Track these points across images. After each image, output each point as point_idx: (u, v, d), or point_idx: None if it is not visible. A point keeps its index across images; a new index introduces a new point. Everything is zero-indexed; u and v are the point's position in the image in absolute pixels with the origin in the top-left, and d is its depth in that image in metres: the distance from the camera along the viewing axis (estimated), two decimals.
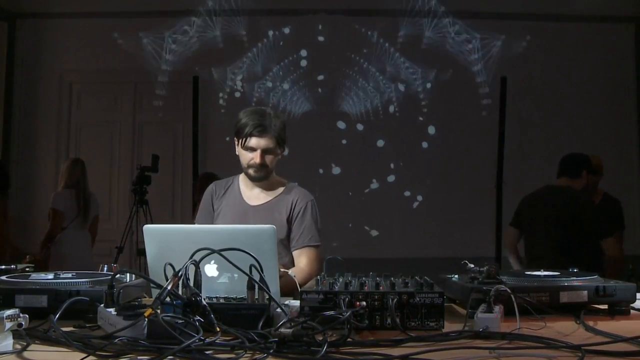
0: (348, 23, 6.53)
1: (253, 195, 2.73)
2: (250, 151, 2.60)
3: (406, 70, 6.54)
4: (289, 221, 2.67)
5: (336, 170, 6.54)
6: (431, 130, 6.54)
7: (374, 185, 6.54)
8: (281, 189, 2.74)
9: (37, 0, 6.63)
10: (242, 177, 2.77)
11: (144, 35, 6.43)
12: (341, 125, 6.55)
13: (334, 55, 6.51)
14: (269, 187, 2.72)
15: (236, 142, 2.65)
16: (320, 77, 6.53)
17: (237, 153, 2.68)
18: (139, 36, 6.44)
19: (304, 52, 6.55)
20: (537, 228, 4.05)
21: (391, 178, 6.55)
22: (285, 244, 2.64)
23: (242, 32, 6.53)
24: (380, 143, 6.55)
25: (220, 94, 6.50)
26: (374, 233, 6.46)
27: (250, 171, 2.64)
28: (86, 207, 5.22)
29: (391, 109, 6.56)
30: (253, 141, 2.57)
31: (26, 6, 6.62)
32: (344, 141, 6.56)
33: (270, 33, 6.56)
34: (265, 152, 2.59)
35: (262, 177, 2.65)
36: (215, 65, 6.50)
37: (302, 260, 2.63)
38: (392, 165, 6.55)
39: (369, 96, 6.53)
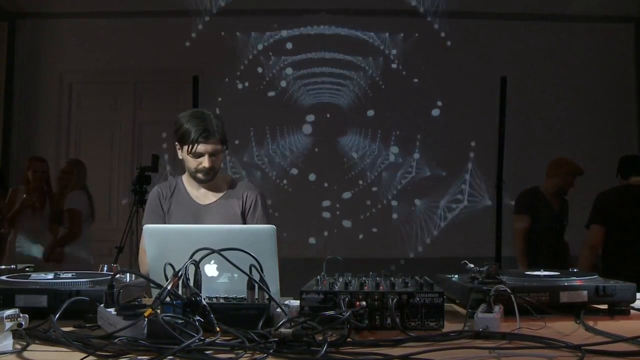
0: (348, 22, 6.53)
1: (201, 194, 2.75)
2: (198, 157, 2.61)
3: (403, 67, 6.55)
4: (243, 215, 2.71)
5: (336, 171, 6.55)
6: (430, 130, 6.54)
7: (374, 185, 6.54)
8: (228, 186, 2.78)
9: (37, 0, 6.63)
10: (185, 178, 2.77)
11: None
12: (341, 121, 6.55)
13: (337, 55, 6.51)
14: (215, 186, 2.75)
15: (179, 148, 2.66)
16: (320, 76, 6.53)
17: (180, 157, 2.69)
18: (139, 36, 6.43)
19: (304, 53, 6.55)
20: (622, 231, 4.10)
21: (391, 178, 6.54)
22: None
23: (243, 32, 6.53)
24: (381, 142, 6.54)
25: (221, 94, 6.50)
26: (374, 231, 6.46)
27: (200, 175, 2.65)
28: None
29: (393, 101, 6.56)
30: (200, 147, 2.58)
31: (26, 6, 6.62)
32: (344, 139, 6.56)
33: (270, 33, 6.56)
34: (212, 155, 2.61)
35: (210, 179, 2.68)
36: (215, 65, 6.49)
37: None
38: (392, 166, 6.55)
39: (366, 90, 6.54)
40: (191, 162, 2.64)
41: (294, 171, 6.49)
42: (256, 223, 2.68)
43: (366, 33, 6.57)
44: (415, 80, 6.55)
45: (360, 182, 6.54)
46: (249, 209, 2.72)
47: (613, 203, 4.21)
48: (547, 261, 4.38)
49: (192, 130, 2.57)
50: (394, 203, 6.51)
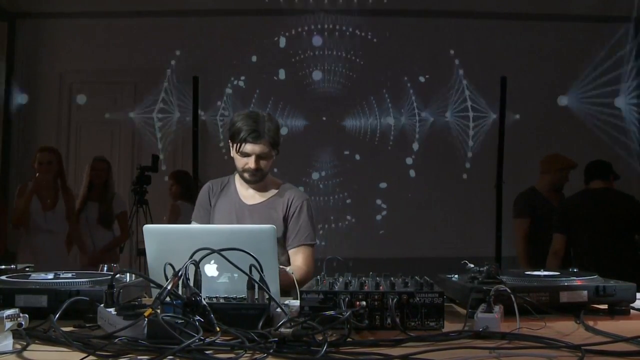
0: (348, 23, 6.53)
1: (249, 194, 2.75)
2: (245, 157, 2.61)
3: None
4: (285, 220, 2.69)
5: (335, 171, 6.55)
6: (431, 128, 6.54)
7: (375, 185, 6.54)
8: (276, 189, 2.76)
9: (37, 0, 6.63)
10: (237, 177, 2.78)
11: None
12: (340, 123, 6.55)
13: (334, 55, 6.51)
14: (264, 188, 2.74)
15: (231, 146, 2.67)
16: (318, 77, 6.54)
17: (232, 155, 2.69)
18: (139, 36, 6.43)
19: (303, 52, 6.55)
20: (591, 232, 4.22)
21: (391, 178, 6.55)
22: (281, 243, 2.65)
23: (242, 32, 6.53)
24: (381, 143, 6.55)
25: (221, 94, 6.50)
26: (376, 231, 6.46)
27: (246, 175, 2.66)
28: None
29: (388, 106, 6.56)
30: (248, 147, 2.58)
31: (26, 6, 6.62)
32: (343, 140, 6.56)
33: (270, 33, 6.56)
34: (259, 157, 2.60)
35: (257, 180, 2.67)
36: (215, 65, 6.49)
37: (299, 259, 2.64)
38: (392, 165, 6.55)
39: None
40: (239, 161, 2.65)
41: (294, 171, 6.49)
42: (299, 228, 2.67)
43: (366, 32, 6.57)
44: (414, 79, 6.55)
45: (360, 182, 6.54)
46: (293, 215, 2.69)
47: (570, 209, 4.38)
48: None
49: (243, 129, 2.56)
50: (395, 203, 6.51)
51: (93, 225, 5.01)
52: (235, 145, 2.61)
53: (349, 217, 6.50)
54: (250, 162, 2.60)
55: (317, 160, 6.56)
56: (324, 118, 6.54)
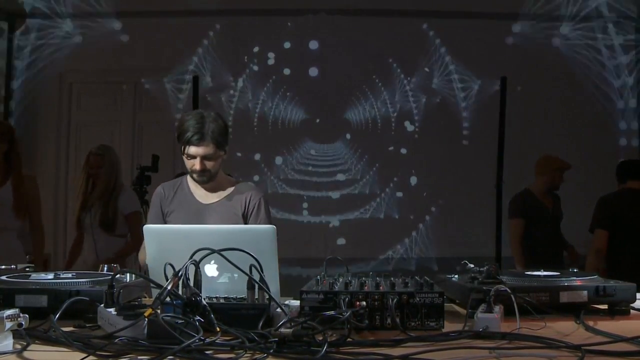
0: (347, 23, 6.53)
1: (203, 194, 2.78)
2: (191, 158, 2.64)
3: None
4: (245, 217, 2.73)
5: (340, 175, 6.55)
6: (431, 128, 6.54)
7: (374, 184, 6.54)
8: (231, 187, 2.79)
9: (37, 0, 6.62)
10: (189, 177, 2.80)
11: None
12: (344, 125, 6.55)
13: (335, 56, 6.51)
14: (217, 187, 2.78)
15: (180, 147, 2.69)
16: (316, 77, 6.54)
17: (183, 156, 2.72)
18: (139, 36, 6.43)
19: (303, 52, 6.55)
20: (629, 232, 4.20)
21: (391, 177, 6.54)
22: None
23: (242, 32, 6.53)
24: (381, 144, 6.54)
25: (221, 94, 6.50)
26: (374, 231, 6.45)
27: (194, 176, 2.70)
28: None
29: (390, 111, 6.56)
30: (192, 149, 2.62)
31: (26, 6, 6.61)
32: (345, 141, 6.56)
33: (269, 33, 6.56)
34: (204, 158, 2.63)
35: (206, 181, 2.71)
36: (215, 65, 6.49)
37: None
38: (391, 165, 6.55)
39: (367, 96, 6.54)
40: (186, 162, 2.70)
41: (293, 171, 6.49)
42: (259, 224, 2.69)
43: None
44: (414, 80, 6.54)
45: (360, 181, 6.54)
46: (252, 211, 2.74)
47: (615, 206, 4.31)
48: (547, 260, 4.41)
49: (188, 130, 2.60)
50: (394, 203, 6.51)
51: (97, 231, 4.31)
52: (181, 147, 2.65)
53: (348, 217, 6.50)
54: (196, 164, 2.64)
55: (318, 154, 6.56)
56: (318, 120, 6.53)
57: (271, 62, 6.53)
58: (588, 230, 4.42)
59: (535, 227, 4.81)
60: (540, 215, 4.82)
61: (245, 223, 2.71)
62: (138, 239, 3.72)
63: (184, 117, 2.68)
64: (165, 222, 2.75)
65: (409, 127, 6.58)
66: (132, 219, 4.37)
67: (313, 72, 6.53)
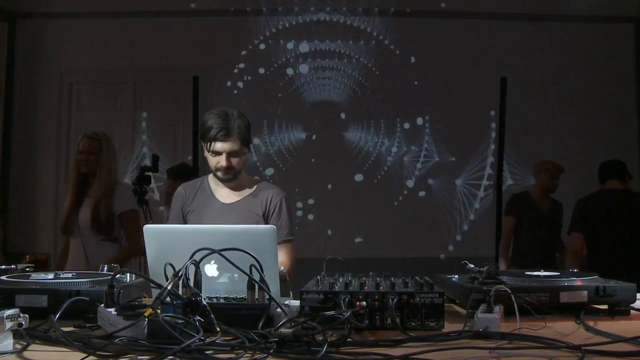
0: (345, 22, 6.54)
1: (224, 193, 2.77)
2: (216, 155, 2.63)
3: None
4: (265, 217, 2.72)
5: (336, 171, 6.55)
6: (430, 129, 6.54)
7: (374, 185, 6.54)
8: (253, 187, 2.78)
9: (37, 0, 6.62)
10: (211, 177, 2.80)
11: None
12: (339, 121, 6.55)
13: (333, 55, 6.52)
14: (239, 186, 2.77)
15: (203, 145, 2.68)
16: (316, 78, 6.54)
17: (205, 156, 2.71)
18: (139, 36, 6.43)
19: (303, 52, 6.55)
20: (608, 233, 4.28)
21: (391, 178, 6.54)
22: None
23: (242, 31, 6.53)
24: (380, 142, 6.54)
25: (221, 94, 6.50)
26: (376, 232, 6.46)
27: (219, 174, 2.69)
28: None
29: (389, 108, 6.56)
30: (218, 145, 2.61)
31: (26, 6, 6.61)
32: (343, 140, 6.56)
33: (270, 33, 6.56)
34: (230, 154, 2.62)
35: (231, 178, 2.70)
36: (215, 65, 6.49)
37: (281, 255, 2.66)
38: (391, 165, 6.55)
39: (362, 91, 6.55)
40: (211, 160, 2.67)
41: (293, 171, 6.49)
42: (280, 225, 2.69)
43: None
44: (415, 83, 6.55)
45: (363, 179, 6.55)
46: (273, 212, 2.72)
47: (590, 209, 4.40)
48: (534, 262, 4.53)
49: (213, 127, 2.59)
50: (395, 203, 6.51)
51: (88, 234, 3.63)
52: (206, 144, 2.64)
53: (349, 217, 6.50)
54: (222, 160, 2.63)
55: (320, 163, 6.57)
56: (320, 120, 6.53)
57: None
58: (567, 233, 4.56)
59: (525, 227, 4.99)
60: (532, 216, 4.97)
61: (266, 223, 2.69)
62: (136, 242, 3.51)
63: (208, 115, 2.67)
64: (185, 222, 2.74)
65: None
66: (127, 219, 3.69)
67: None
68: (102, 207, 3.59)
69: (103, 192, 3.62)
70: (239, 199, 2.75)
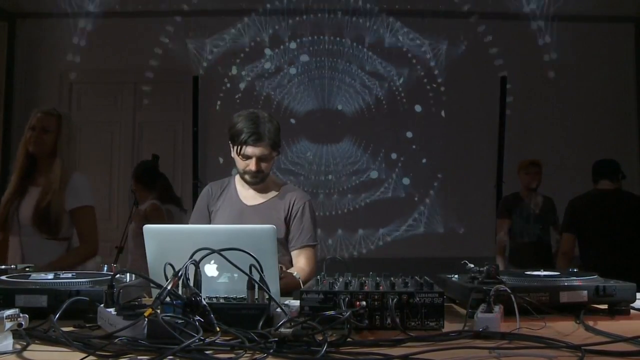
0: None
1: (249, 195, 2.75)
2: (246, 159, 2.61)
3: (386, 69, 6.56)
4: (287, 221, 2.69)
5: (336, 172, 6.55)
6: (430, 129, 6.54)
7: (374, 184, 6.54)
8: (278, 190, 2.76)
9: (37, 0, 6.62)
10: (237, 178, 2.78)
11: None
12: (339, 125, 6.55)
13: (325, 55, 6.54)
14: (265, 189, 2.75)
15: (231, 147, 2.66)
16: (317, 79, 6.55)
17: (232, 156, 2.69)
18: (138, 36, 6.43)
19: (303, 52, 6.55)
20: (600, 234, 4.30)
21: (391, 178, 6.55)
22: (283, 244, 2.65)
23: (241, 31, 6.53)
24: (380, 143, 6.55)
25: (221, 94, 6.50)
26: (378, 231, 6.45)
27: (247, 177, 2.67)
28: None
29: (386, 108, 6.57)
30: (249, 150, 2.58)
31: (26, 6, 6.61)
32: (343, 140, 6.56)
33: (268, 33, 6.56)
34: (260, 159, 2.60)
35: (259, 182, 2.68)
36: (215, 65, 6.49)
37: (301, 260, 2.64)
38: (391, 165, 6.55)
39: (361, 95, 6.55)
40: (240, 163, 2.65)
41: (292, 172, 6.49)
42: (302, 230, 2.67)
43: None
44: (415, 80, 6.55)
45: (360, 181, 6.55)
46: (295, 216, 2.69)
47: (580, 210, 4.41)
48: (529, 261, 4.65)
49: (243, 131, 2.56)
50: (394, 202, 6.51)
51: (27, 232, 2.97)
52: (235, 147, 2.61)
53: (348, 217, 6.50)
54: (252, 165, 2.60)
55: (322, 154, 6.56)
56: (321, 125, 6.54)
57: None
58: (558, 234, 4.63)
59: (519, 226, 5.15)
60: (524, 216, 5.13)
61: (288, 227, 2.67)
62: (90, 243, 3.01)
63: (237, 117, 2.63)
64: (210, 221, 2.72)
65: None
66: (81, 216, 3.03)
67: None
68: (52, 201, 2.90)
69: (54, 182, 2.93)
70: (262, 201, 2.73)
